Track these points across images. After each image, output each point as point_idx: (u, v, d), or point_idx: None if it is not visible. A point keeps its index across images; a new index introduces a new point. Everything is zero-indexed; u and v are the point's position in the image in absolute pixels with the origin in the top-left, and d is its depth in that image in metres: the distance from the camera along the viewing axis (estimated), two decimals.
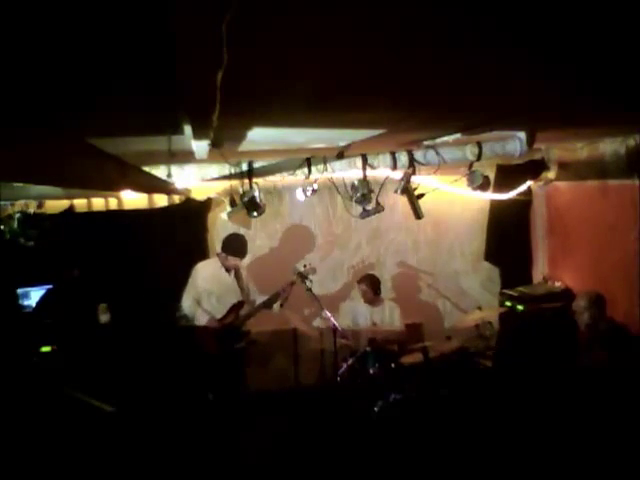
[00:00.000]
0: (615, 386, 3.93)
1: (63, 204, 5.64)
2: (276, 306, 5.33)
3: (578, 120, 3.65)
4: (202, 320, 5.17)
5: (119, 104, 2.07)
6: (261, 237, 6.48)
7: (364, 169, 4.69)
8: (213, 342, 5.13)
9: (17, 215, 4.99)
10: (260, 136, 3.12)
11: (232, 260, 5.21)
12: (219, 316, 5.21)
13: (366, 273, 5.94)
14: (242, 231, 5.98)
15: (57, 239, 5.30)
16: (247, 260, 5.72)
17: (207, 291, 5.27)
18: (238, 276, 5.33)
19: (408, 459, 4.53)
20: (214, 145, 3.12)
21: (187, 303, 5.26)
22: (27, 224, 4.94)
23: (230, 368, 5.17)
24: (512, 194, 6.03)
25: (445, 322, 6.73)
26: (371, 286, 5.67)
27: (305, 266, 5.41)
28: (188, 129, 2.45)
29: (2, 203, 5.07)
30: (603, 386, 3.95)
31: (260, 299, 5.41)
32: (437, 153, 4.41)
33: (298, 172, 4.78)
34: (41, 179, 2.28)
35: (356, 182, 4.63)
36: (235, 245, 5.24)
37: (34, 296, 5.41)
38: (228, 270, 5.29)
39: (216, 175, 4.75)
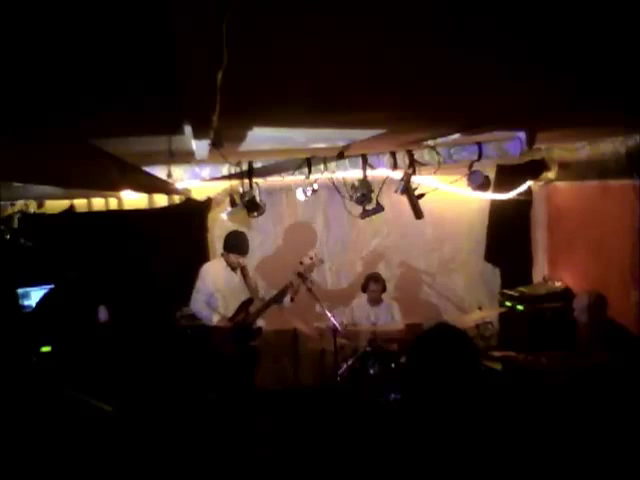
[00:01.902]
0: (615, 386, 3.93)
1: (63, 204, 5.64)
2: (286, 300, 5.28)
3: (578, 120, 3.65)
4: (213, 321, 5.13)
5: (119, 104, 2.07)
6: (262, 237, 6.48)
7: (364, 169, 4.69)
8: (228, 342, 5.10)
9: (17, 215, 4.99)
10: (260, 136, 3.12)
11: (234, 258, 5.19)
12: (229, 315, 5.18)
13: (375, 273, 5.91)
14: (243, 230, 5.99)
15: (57, 239, 5.29)
16: (252, 259, 5.71)
17: (216, 291, 5.23)
18: (245, 274, 5.31)
19: (408, 459, 4.52)
20: (214, 145, 3.12)
21: (197, 305, 5.21)
22: (27, 224, 4.94)
23: (245, 367, 5.16)
24: (512, 194, 6.03)
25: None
26: (381, 285, 5.67)
27: (311, 258, 5.34)
28: (188, 129, 2.45)
29: (2, 203, 5.07)
30: (603, 386, 3.95)
31: (269, 296, 5.37)
32: (437, 153, 4.41)
33: (298, 172, 4.79)
34: (41, 179, 2.28)
35: (356, 182, 4.63)
36: (235, 242, 5.20)
37: (34, 296, 5.41)
38: (234, 269, 5.27)
39: (216, 175, 4.76)
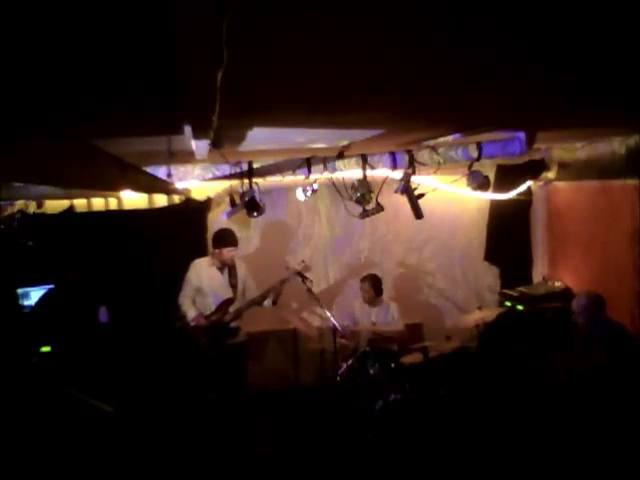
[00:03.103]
0: (613, 386, 3.93)
1: (63, 204, 5.64)
2: (267, 303, 5.32)
3: (578, 120, 3.65)
4: (190, 317, 5.20)
5: (119, 104, 2.07)
6: (259, 236, 6.49)
7: (364, 169, 4.69)
8: (202, 339, 5.16)
9: (17, 215, 4.98)
10: (260, 136, 3.12)
11: (227, 252, 5.21)
12: (207, 313, 5.24)
13: (368, 273, 5.94)
14: (241, 230, 6.02)
15: (57, 239, 5.29)
16: (250, 259, 5.73)
17: (201, 289, 5.29)
18: (232, 274, 5.34)
19: (408, 459, 4.53)
20: (214, 145, 3.12)
21: (181, 299, 5.28)
22: (27, 224, 4.93)
23: (226, 365, 5.18)
24: (512, 194, 6.03)
25: (445, 322, 6.73)
26: (373, 286, 5.67)
27: (299, 264, 5.41)
28: (188, 129, 2.45)
29: (2, 203, 5.07)
30: (601, 386, 3.96)
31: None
32: (437, 153, 4.41)
33: (298, 172, 4.79)
34: (41, 179, 2.28)
35: (356, 182, 4.63)
36: (225, 236, 5.26)
37: (34, 296, 5.41)
38: (221, 268, 5.31)
39: (216, 175, 4.76)
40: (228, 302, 5.26)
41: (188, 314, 5.20)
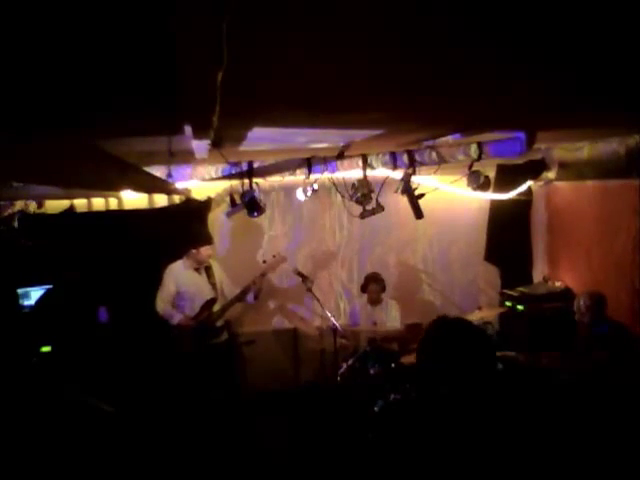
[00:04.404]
0: (615, 386, 3.93)
1: (63, 204, 5.64)
2: (249, 298, 5.39)
3: (578, 120, 3.65)
4: (176, 320, 5.21)
5: (119, 104, 2.07)
6: (255, 235, 6.49)
7: (364, 169, 4.69)
8: (188, 341, 5.18)
9: (17, 215, 4.98)
10: (260, 136, 3.12)
11: (204, 251, 5.28)
12: (192, 315, 5.28)
13: (373, 272, 5.92)
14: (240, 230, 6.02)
15: (57, 239, 5.30)
16: (248, 259, 5.74)
17: (180, 292, 5.33)
18: (209, 274, 5.38)
19: (408, 459, 4.52)
20: (214, 145, 3.12)
21: (159, 305, 5.31)
22: (27, 224, 4.93)
23: (216, 365, 5.20)
24: (512, 194, 6.03)
25: None
26: (383, 288, 5.69)
27: (274, 256, 5.44)
28: (188, 129, 2.45)
29: (2, 203, 5.07)
30: (603, 386, 3.96)
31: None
32: (437, 153, 4.41)
33: (298, 172, 4.79)
34: (41, 179, 2.28)
35: (356, 182, 4.63)
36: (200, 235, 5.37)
37: (34, 296, 5.41)
38: (198, 268, 5.34)
39: (216, 175, 4.76)
40: (211, 302, 5.31)
41: (173, 319, 5.23)
